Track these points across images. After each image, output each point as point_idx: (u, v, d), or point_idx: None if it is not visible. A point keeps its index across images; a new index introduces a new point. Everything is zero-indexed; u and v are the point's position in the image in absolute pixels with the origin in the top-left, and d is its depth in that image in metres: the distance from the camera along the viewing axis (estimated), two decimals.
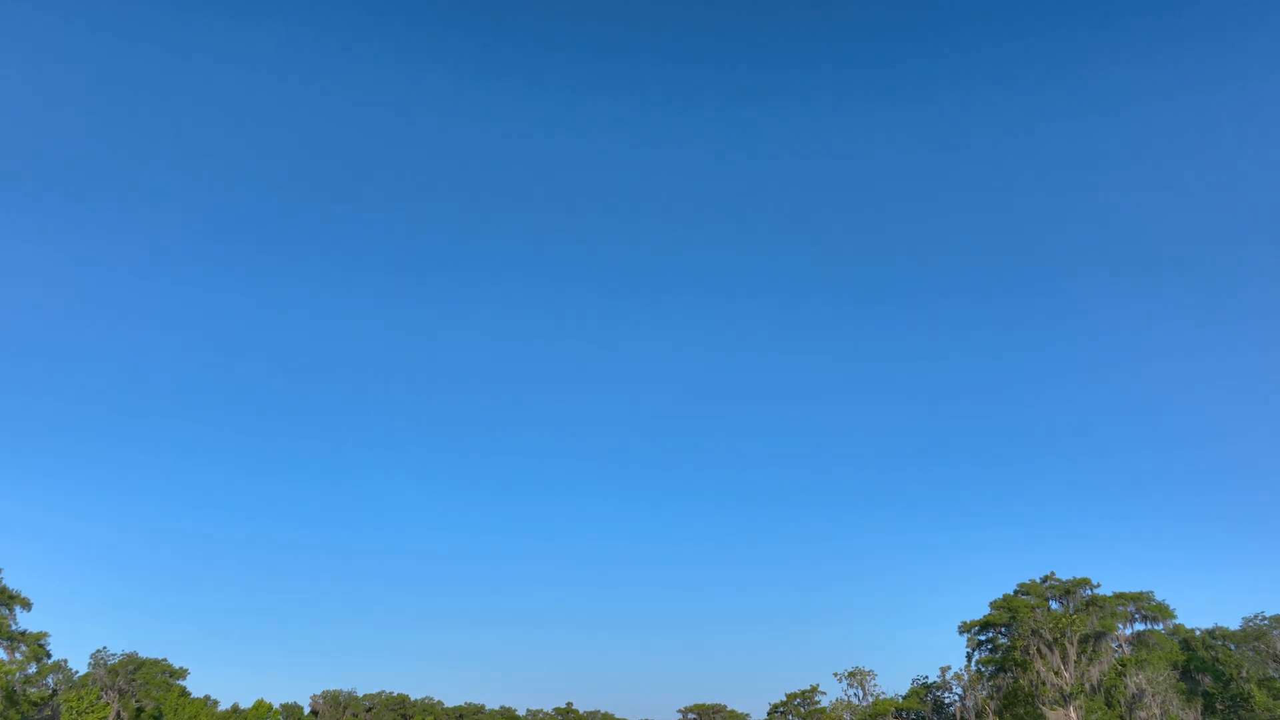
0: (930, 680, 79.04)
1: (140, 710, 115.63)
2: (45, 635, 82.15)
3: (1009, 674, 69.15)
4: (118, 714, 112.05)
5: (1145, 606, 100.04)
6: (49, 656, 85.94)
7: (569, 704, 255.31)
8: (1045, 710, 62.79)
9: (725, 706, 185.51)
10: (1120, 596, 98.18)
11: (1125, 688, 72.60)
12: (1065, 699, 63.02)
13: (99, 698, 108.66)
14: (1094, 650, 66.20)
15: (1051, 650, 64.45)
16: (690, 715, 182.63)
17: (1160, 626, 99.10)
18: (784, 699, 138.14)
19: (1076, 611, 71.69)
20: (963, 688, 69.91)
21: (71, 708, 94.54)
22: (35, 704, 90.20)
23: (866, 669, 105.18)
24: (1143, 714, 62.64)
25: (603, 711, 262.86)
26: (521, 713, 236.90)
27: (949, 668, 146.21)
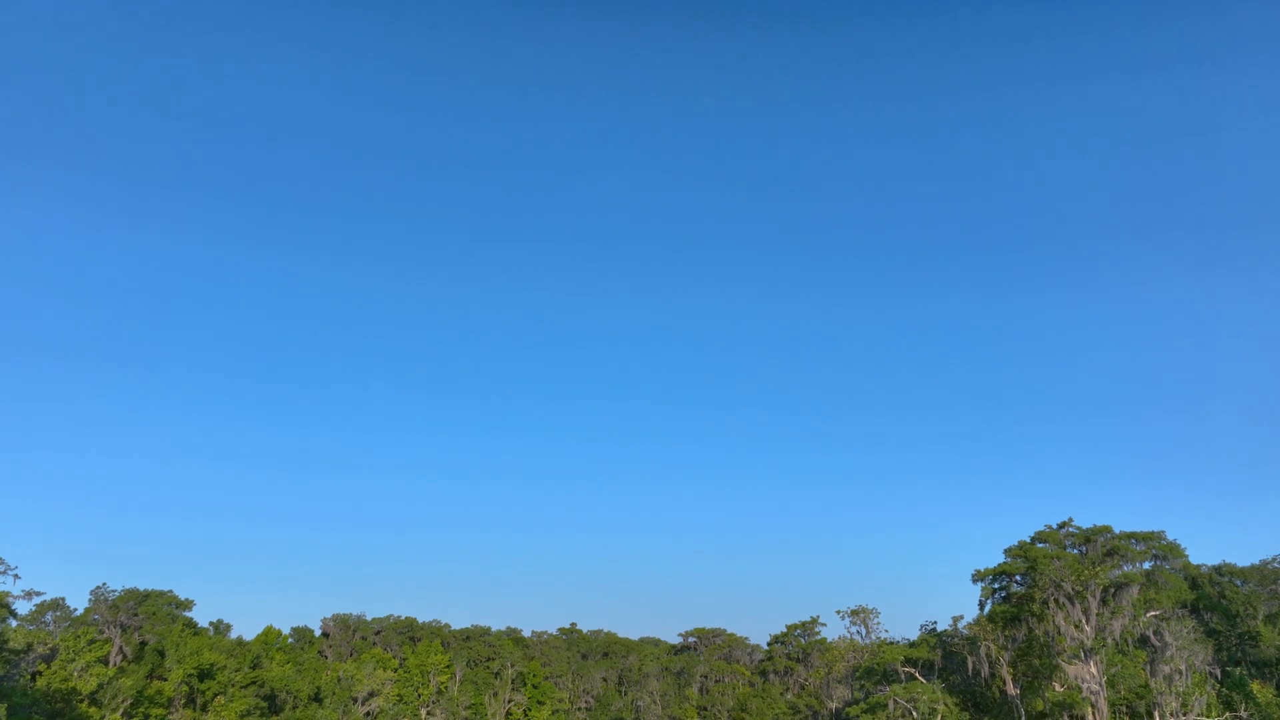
0: (940, 628, 76.40)
1: (144, 645, 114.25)
2: (6, 595, 79.03)
3: (1024, 624, 65.88)
4: (120, 649, 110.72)
5: (1156, 546, 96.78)
6: (13, 617, 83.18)
7: (573, 624, 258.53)
8: (1064, 664, 59.54)
9: (725, 630, 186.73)
10: (1131, 536, 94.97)
11: (1144, 636, 69.49)
12: (1086, 653, 59.69)
13: (99, 634, 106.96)
14: (1116, 603, 62.83)
15: (1073, 603, 60.85)
16: (690, 639, 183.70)
17: (1168, 566, 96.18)
18: (784, 630, 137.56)
19: (1096, 561, 68.15)
20: (974, 636, 66.58)
21: (68, 647, 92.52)
22: (17, 652, 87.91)
23: (870, 607, 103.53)
24: (1166, 668, 59.48)
25: (605, 631, 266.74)
26: (527, 634, 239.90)
27: (961, 616, 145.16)
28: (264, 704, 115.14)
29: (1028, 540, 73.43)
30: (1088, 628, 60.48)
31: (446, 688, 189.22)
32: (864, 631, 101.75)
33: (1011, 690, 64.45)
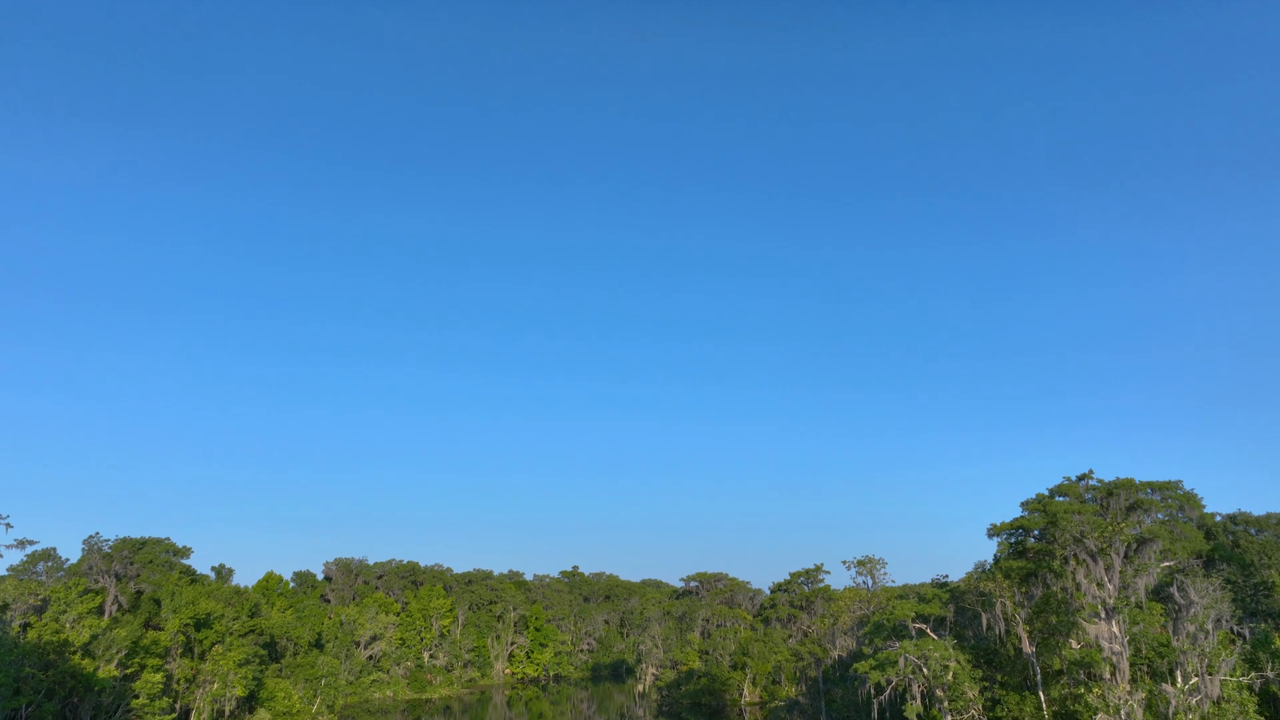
0: (949, 580, 73.82)
1: (139, 594, 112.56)
2: None
3: (1041, 580, 62.92)
4: (115, 599, 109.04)
5: (1173, 495, 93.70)
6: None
7: (575, 567, 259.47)
8: (1084, 624, 56.62)
9: (726, 575, 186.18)
10: (1147, 486, 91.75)
11: (1160, 590, 66.62)
12: (1108, 612, 56.70)
13: (93, 584, 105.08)
14: (1141, 560, 59.68)
15: (1095, 560, 57.65)
16: (692, 583, 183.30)
17: (1183, 517, 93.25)
18: (788, 577, 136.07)
19: (1120, 516, 64.91)
20: (990, 592, 63.65)
21: (59, 598, 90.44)
22: (6, 604, 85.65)
23: (877, 557, 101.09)
24: (1190, 626, 56.61)
25: (607, 574, 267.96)
26: (529, 577, 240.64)
27: (985, 562, 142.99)
28: (263, 651, 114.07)
29: (1046, 493, 70.18)
30: (1110, 585, 57.42)
31: (449, 631, 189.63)
32: (870, 582, 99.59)
33: (1027, 648, 61.79)
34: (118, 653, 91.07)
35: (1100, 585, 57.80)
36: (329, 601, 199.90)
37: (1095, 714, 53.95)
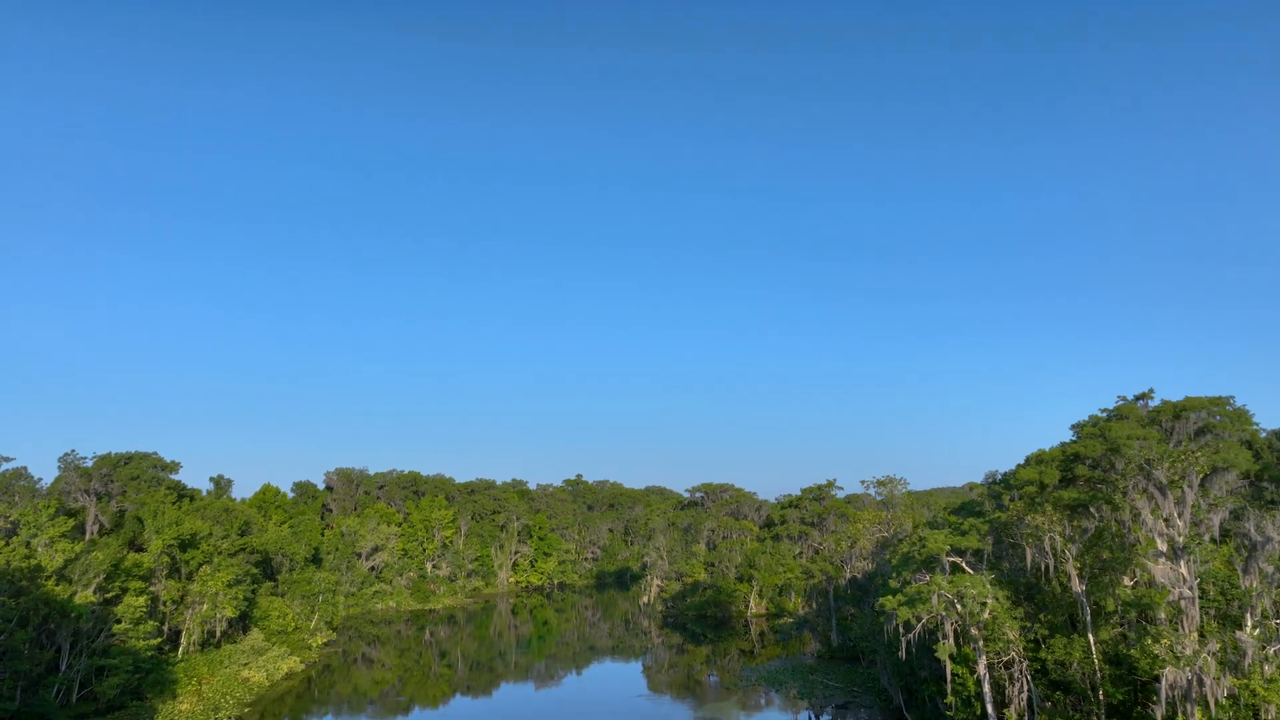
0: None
1: (122, 513, 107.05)
2: None
3: (1095, 512, 55.82)
4: (96, 519, 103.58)
5: (1221, 412, 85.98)
6: None
7: (578, 475, 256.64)
8: (1149, 564, 49.61)
9: (733, 485, 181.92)
10: (1193, 401, 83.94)
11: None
12: (1177, 551, 49.60)
13: (73, 503, 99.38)
14: (1216, 493, 52.49)
15: (1164, 493, 50.20)
16: (698, 494, 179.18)
17: (1228, 436, 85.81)
18: (799, 493, 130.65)
19: (1187, 441, 57.53)
20: (1038, 525, 56.59)
21: (29, 522, 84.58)
22: None
23: (898, 477, 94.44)
24: (1269, 566, 49.65)
25: (611, 482, 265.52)
26: (532, 486, 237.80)
27: (993, 473, 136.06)
28: (256, 570, 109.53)
29: (1102, 415, 62.42)
30: (1179, 522, 50.19)
31: (452, 541, 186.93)
32: (890, 501, 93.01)
33: (1077, 586, 55.12)
34: (95, 577, 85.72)
35: (1169, 521, 50.49)
36: (330, 511, 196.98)
37: (1158, 664, 47.68)
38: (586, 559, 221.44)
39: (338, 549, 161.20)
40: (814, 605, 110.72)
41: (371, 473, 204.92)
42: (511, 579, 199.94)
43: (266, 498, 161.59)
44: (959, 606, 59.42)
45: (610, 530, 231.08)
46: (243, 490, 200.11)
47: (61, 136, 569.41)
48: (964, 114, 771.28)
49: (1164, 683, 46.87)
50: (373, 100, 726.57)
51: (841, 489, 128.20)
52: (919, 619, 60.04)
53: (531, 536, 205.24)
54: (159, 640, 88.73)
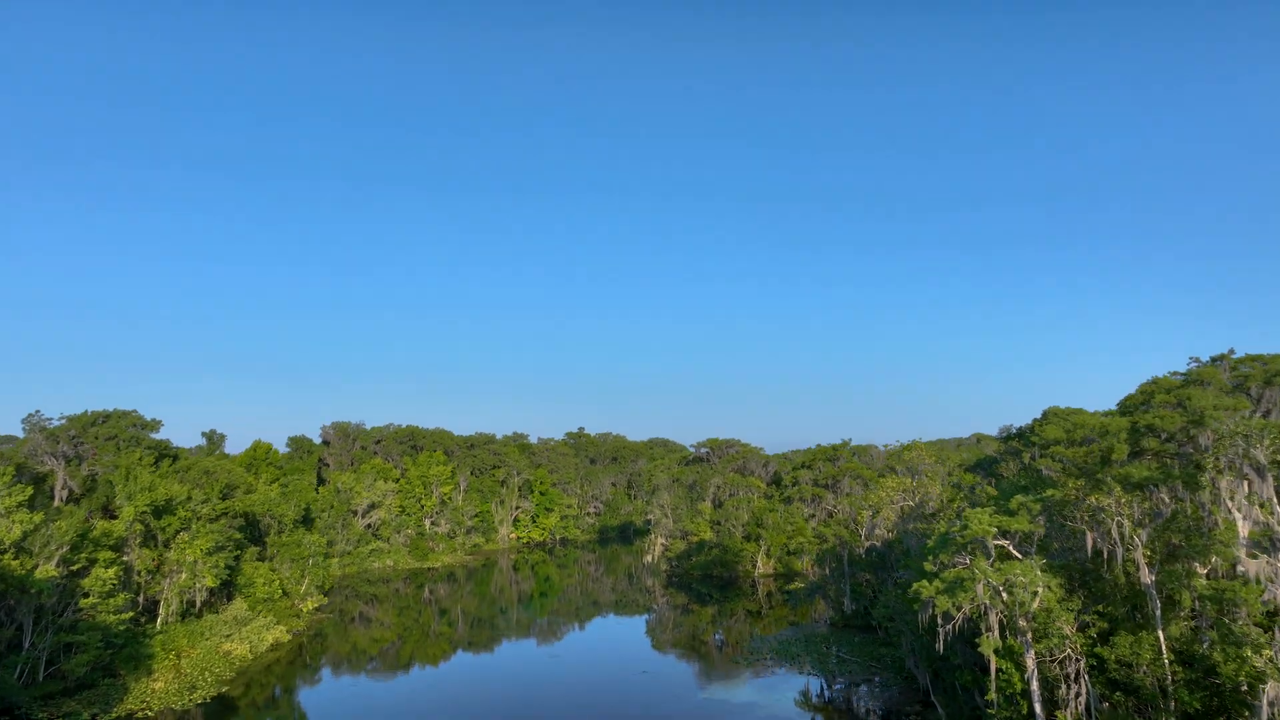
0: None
1: (93, 478, 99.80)
2: None
3: (1168, 492, 47.92)
4: (65, 485, 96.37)
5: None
6: None
7: (580, 428, 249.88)
8: (1242, 555, 41.86)
9: (739, 440, 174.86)
10: (1254, 359, 75.34)
11: None
12: (1274, 543, 41.74)
13: (21, 472, 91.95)
14: None
15: (1263, 476, 42.18)
16: (703, 449, 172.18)
17: None
18: (812, 449, 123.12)
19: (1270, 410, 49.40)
20: (1104, 507, 48.63)
21: None
22: None
23: (925, 441, 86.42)
24: None
25: (614, 434, 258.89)
26: (533, 440, 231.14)
27: (1007, 427, 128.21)
28: (239, 534, 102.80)
29: (1176, 378, 54.09)
30: (1279, 508, 42.29)
31: (450, 498, 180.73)
32: (914, 467, 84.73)
33: (1146, 577, 47.44)
34: (58, 549, 78.72)
35: (1266, 508, 42.50)
36: (327, 465, 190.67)
37: (1251, 674, 40.34)
38: (589, 514, 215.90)
39: (333, 506, 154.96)
40: (827, 570, 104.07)
41: (368, 427, 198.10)
42: (512, 535, 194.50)
43: (257, 455, 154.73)
44: (1003, 594, 52.02)
45: (613, 484, 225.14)
46: (239, 445, 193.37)
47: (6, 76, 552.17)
48: (1008, 58, 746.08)
49: (1264, 698, 39.46)
50: (378, 45, 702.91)
51: (859, 448, 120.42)
52: (959, 609, 52.66)
53: (533, 491, 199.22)
54: (131, 614, 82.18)
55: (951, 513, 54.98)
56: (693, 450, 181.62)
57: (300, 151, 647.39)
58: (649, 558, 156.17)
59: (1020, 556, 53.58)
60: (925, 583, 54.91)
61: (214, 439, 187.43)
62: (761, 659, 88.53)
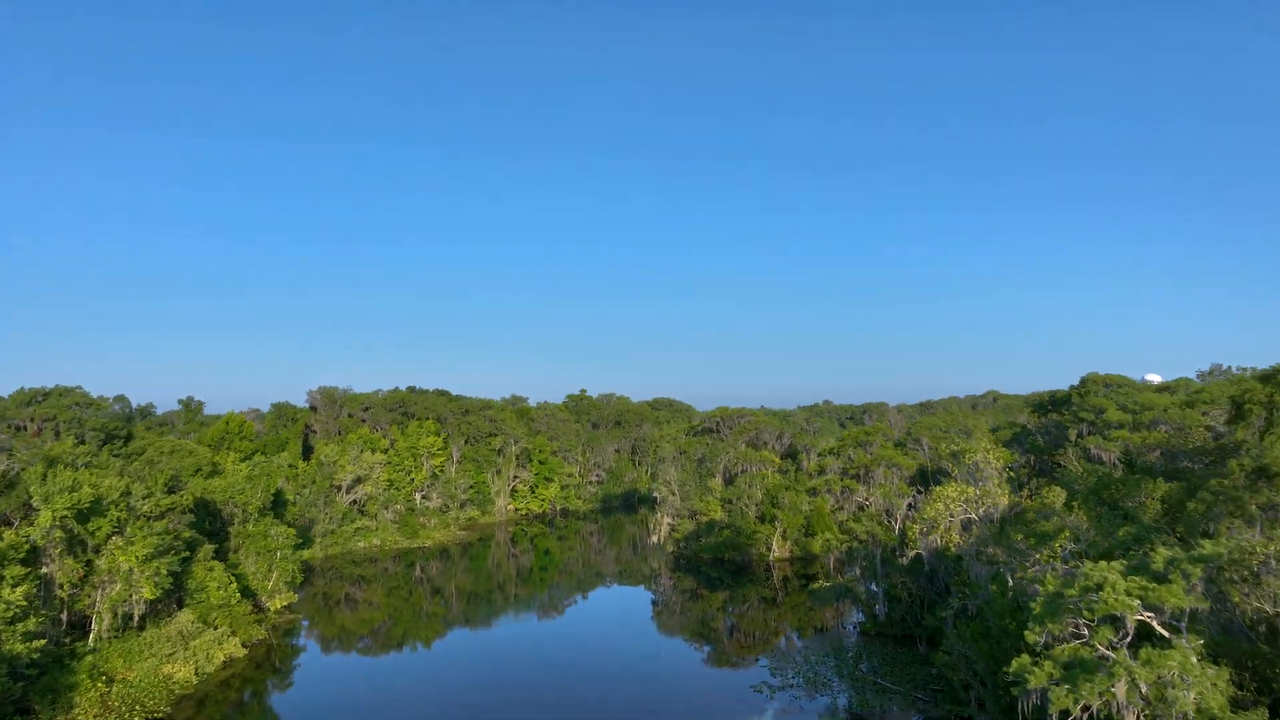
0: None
1: (14, 473, 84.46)
2: None
3: None
4: None
5: None
6: None
7: (582, 390, 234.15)
8: None
9: (749, 409, 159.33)
10: None
11: None
12: None
13: None
14: None
15: None
16: (713, 420, 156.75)
17: None
18: (839, 439, 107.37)
19: None
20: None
21: None
22: None
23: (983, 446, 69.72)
24: None
25: (617, 395, 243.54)
26: (532, 403, 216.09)
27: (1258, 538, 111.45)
28: (188, 533, 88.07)
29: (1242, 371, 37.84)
30: None
31: (443, 470, 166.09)
32: (978, 473, 67.57)
33: None
34: None
35: None
36: (314, 432, 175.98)
37: None
38: (591, 482, 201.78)
39: (315, 482, 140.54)
40: (858, 570, 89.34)
41: (357, 391, 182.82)
42: (510, 507, 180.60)
43: (230, 429, 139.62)
44: (1142, 687, 36.84)
45: (617, 450, 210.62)
46: (220, 408, 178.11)
47: None
48: (1049, 22, 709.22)
49: None
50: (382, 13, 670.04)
51: (890, 432, 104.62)
52: (1086, 709, 37.45)
53: (531, 460, 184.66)
54: (43, 642, 67.79)
55: (1087, 592, 39.04)
56: (701, 419, 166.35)
57: (289, 105, 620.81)
58: (655, 538, 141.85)
59: (1167, 634, 38.34)
60: (1031, 665, 39.69)
61: (191, 406, 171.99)
62: (784, 677, 73.95)
